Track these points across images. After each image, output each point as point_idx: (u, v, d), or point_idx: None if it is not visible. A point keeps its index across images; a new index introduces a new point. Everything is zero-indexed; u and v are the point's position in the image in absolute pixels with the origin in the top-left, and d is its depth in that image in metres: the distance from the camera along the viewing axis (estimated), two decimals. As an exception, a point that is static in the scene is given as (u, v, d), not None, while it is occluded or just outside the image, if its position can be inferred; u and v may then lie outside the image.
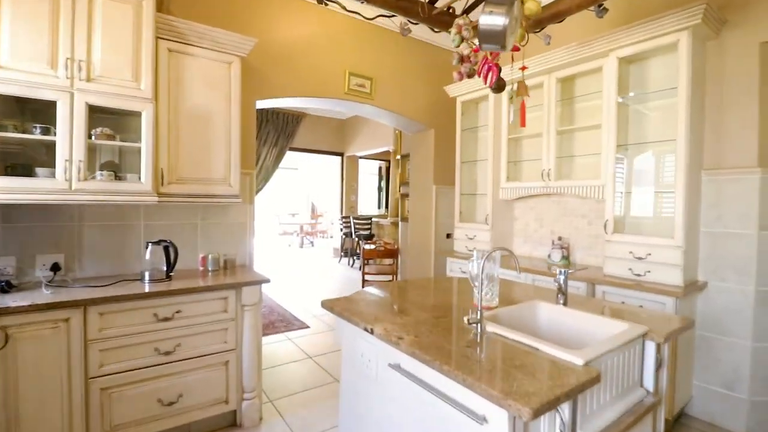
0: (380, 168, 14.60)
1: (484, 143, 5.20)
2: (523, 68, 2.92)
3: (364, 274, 7.01)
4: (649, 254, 3.39)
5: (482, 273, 2.25)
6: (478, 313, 1.90)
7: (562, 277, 2.38)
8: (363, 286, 6.77)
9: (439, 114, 5.68)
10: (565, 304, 2.38)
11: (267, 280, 3.37)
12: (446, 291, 2.92)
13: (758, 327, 3.16)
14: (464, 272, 4.86)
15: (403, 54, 5.22)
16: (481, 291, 1.97)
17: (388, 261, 7.95)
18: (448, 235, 5.78)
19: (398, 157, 7.04)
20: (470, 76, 2.62)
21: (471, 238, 5.07)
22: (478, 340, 1.84)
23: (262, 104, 4.41)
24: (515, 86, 2.87)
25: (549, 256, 4.47)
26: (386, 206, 13.64)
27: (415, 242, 5.98)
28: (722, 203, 3.36)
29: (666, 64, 3.57)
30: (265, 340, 5.30)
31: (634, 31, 3.42)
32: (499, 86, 2.76)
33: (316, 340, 5.43)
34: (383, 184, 14.20)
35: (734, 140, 3.30)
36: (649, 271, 3.40)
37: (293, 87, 4.31)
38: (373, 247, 7.35)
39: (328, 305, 2.39)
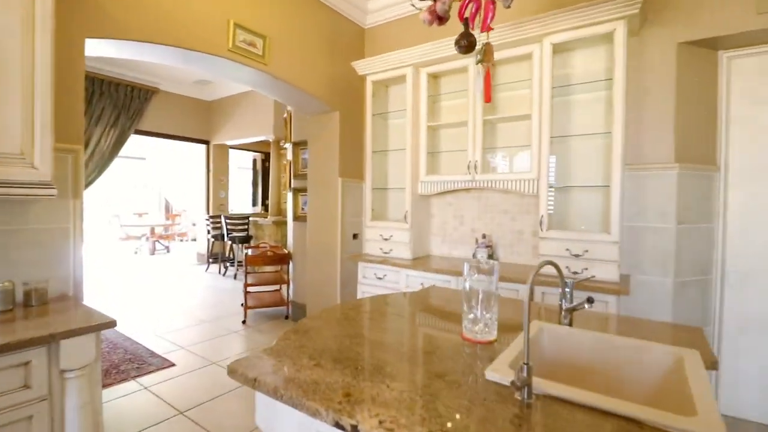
0: (255, 161, 12.93)
1: (398, 131, 4.59)
2: (489, 29, 2.33)
3: (246, 286, 5.73)
4: (586, 251, 3.22)
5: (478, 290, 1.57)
6: (523, 370, 1.18)
7: (569, 289, 1.85)
8: (246, 301, 5.50)
9: (344, 94, 4.84)
10: (570, 324, 1.85)
11: (110, 324, 2.05)
12: (404, 317, 2.15)
13: (677, 317, 3.27)
14: (380, 278, 4.16)
15: (305, 16, 4.23)
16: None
17: (271, 268, 6.75)
18: (355, 236, 5.01)
19: (287, 144, 5.94)
20: (444, 20, 1.89)
21: (386, 239, 4.40)
22: (534, 416, 1.12)
23: (96, 50, 2.90)
24: (482, 49, 2.27)
25: (474, 255, 4.10)
26: (263, 204, 12.12)
27: (317, 245, 5.03)
28: (642, 198, 3.40)
29: (593, 55, 3.49)
30: (107, 394, 3.68)
31: (571, 15, 3.20)
32: (470, 43, 2.12)
33: (186, 383, 4.02)
34: (260, 178, 12.60)
35: (652, 136, 3.36)
36: (586, 268, 3.24)
37: (151, 28, 2.93)
38: (257, 252, 6.09)
39: (246, 377, 1.36)
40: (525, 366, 1.18)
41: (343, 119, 4.84)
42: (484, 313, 1.69)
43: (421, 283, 3.83)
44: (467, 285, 1.70)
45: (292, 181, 5.93)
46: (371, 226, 4.56)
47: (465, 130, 3.94)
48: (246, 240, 8.94)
